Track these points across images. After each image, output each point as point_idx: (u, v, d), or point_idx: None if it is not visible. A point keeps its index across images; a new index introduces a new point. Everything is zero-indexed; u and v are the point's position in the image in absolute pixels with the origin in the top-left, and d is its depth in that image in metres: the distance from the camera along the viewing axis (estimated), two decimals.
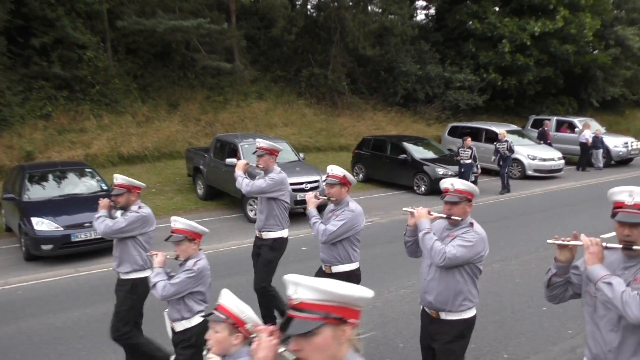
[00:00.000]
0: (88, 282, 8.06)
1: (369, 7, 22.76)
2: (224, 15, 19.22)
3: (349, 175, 4.79)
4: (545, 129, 18.92)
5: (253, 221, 9.61)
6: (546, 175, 16.53)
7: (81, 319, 6.59)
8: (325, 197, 4.83)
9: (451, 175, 13.26)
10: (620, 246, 2.74)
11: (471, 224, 3.71)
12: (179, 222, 3.92)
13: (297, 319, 1.61)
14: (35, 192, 9.75)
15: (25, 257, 9.08)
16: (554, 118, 20.77)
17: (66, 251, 8.88)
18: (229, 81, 19.25)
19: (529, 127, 20.58)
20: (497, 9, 23.65)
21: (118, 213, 4.92)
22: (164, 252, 4.08)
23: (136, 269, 4.81)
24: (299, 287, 1.63)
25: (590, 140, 17.97)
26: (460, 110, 22.39)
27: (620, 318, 2.68)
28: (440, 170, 13.84)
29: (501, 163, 14.43)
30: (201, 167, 13.21)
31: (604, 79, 25.59)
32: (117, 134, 15.80)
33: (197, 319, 3.90)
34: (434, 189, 13.05)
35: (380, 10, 22.74)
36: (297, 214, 10.48)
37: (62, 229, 8.81)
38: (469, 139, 14.05)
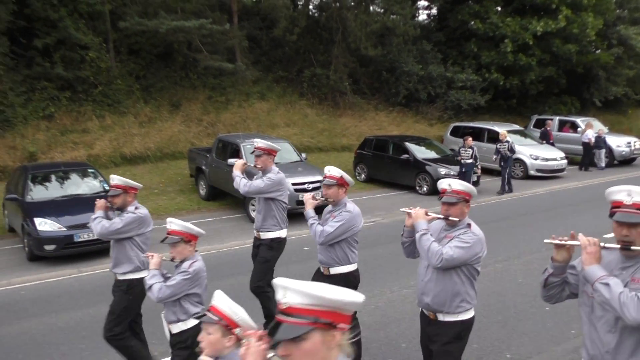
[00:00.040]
0: (91, 282, 8.07)
1: (371, 7, 22.79)
2: (226, 16, 19.24)
3: (347, 176, 4.75)
4: (548, 128, 18.88)
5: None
6: (549, 175, 16.50)
7: (84, 319, 6.60)
8: (323, 198, 4.79)
9: (453, 176, 13.25)
10: (619, 246, 2.70)
11: (469, 225, 3.68)
12: (174, 224, 3.89)
13: (286, 323, 1.58)
14: (38, 193, 9.77)
15: (28, 257, 9.11)
16: (557, 118, 20.72)
17: (69, 251, 8.91)
18: (231, 81, 19.27)
19: (532, 127, 20.54)
20: (499, 8, 23.63)
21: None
22: (160, 254, 4.07)
23: (133, 270, 4.80)
24: (288, 291, 1.60)
25: (593, 140, 17.93)
26: (463, 110, 22.37)
27: (617, 319, 2.64)
28: (443, 171, 13.83)
29: (502, 164, 14.42)
30: (203, 167, 13.23)
31: (607, 78, 25.54)
32: (120, 135, 15.83)
33: (193, 321, 3.89)
34: (436, 189, 12.98)
35: (382, 10, 22.74)
36: (299, 214, 10.47)
37: (64, 229, 8.84)
38: (470, 138, 14.00)
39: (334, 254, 4.72)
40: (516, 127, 18.71)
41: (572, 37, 22.26)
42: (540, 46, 22.25)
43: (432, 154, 15.11)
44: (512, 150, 14.45)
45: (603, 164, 18.29)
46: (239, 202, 12.34)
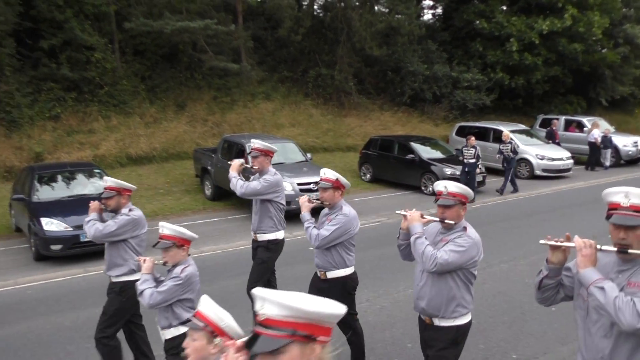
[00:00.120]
0: (97, 281, 8.07)
1: (376, 7, 22.75)
2: (230, 17, 19.27)
3: (342, 179, 4.67)
4: (554, 128, 18.80)
5: None
6: (555, 175, 16.43)
7: (90, 318, 6.59)
8: (319, 201, 4.71)
9: (459, 176, 13.21)
10: (615, 249, 2.60)
11: (465, 228, 3.62)
12: (166, 228, 3.81)
13: (264, 335, 1.52)
14: (44, 193, 9.82)
15: (34, 257, 9.15)
16: (563, 117, 20.64)
17: (75, 251, 8.94)
18: (236, 82, 19.30)
19: (537, 127, 20.46)
20: (504, 8, 23.57)
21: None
22: (152, 258, 4.01)
23: (127, 272, 4.76)
24: (266, 302, 1.54)
25: (599, 139, 17.85)
26: (468, 110, 22.31)
27: (613, 324, 2.54)
28: (448, 170, 13.79)
29: (505, 164, 14.34)
30: (209, 167, 13.25)
31: (613, 77, 25.39)
32: (126, 135, 15.89)
33: (185, 327, 3.87)
34: None
35: (387, 10, 22.71)
36: None
37: (71, 229, 8.87)
38: (473, 137, 13.85)
39: (331, 257, 4.66)
40: (522, 126, 18.65)
41: (578, 36, 22.17)
42: (546, 45, 22.16)
43: (438, 154, 15.07)
44: (514, 152, 14.35)
45: (607, 164, 18.20)
46: (244, 202, 12.34)
